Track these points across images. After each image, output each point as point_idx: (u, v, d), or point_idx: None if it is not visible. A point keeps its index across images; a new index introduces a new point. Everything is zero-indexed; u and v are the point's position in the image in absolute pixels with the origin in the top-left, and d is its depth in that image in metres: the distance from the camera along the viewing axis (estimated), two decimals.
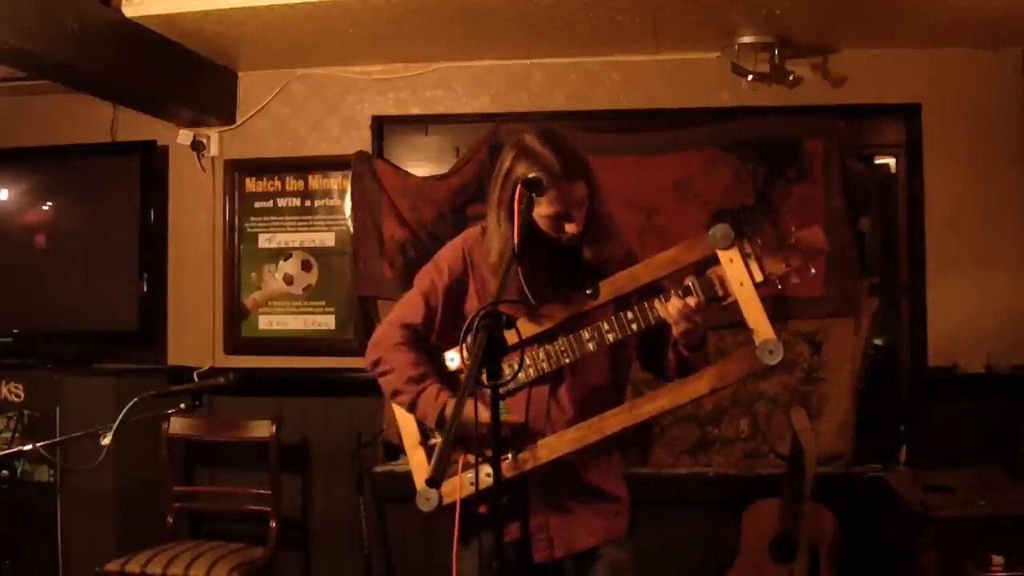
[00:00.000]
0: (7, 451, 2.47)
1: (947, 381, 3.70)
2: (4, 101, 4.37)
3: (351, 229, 4.03)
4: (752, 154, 3.72)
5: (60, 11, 3.10)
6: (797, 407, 3.36)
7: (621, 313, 2.07)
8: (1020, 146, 3.72)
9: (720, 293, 2.01)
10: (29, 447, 2.47)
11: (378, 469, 3.92)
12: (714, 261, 2.02)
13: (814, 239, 2.00)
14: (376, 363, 2.24)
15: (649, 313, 2.04)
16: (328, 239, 4.13)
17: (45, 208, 4.27)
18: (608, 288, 2.11)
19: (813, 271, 2.01)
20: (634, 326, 2.05)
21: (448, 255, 2.24)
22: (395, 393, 2.20)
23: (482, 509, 2.04)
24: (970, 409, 3.67)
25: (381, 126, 4.13)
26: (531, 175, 2.02)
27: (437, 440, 2.19)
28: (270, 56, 3.96)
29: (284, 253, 4.16)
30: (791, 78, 3.70)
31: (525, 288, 2.02)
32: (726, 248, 2.00)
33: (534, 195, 2.02)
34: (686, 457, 3.75)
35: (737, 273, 1.99)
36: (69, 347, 4.07)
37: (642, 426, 2.18)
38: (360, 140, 4.08)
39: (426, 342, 2.22)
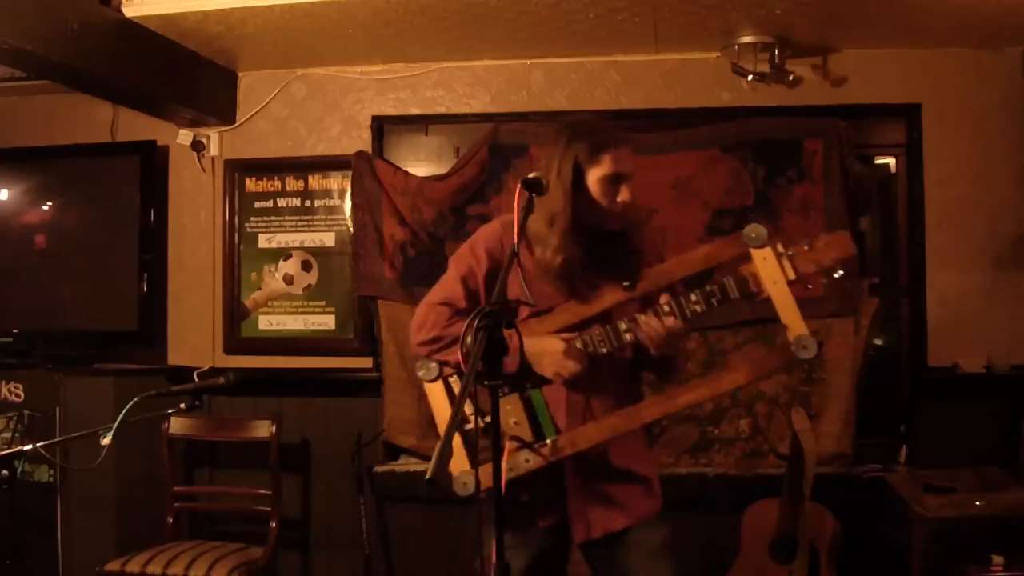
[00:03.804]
0: (7, 451, 2.47)
1: (947, 381, 3.70)
2: (4, 101, 4.37)
3: (351, 229, 4.03)
4: (752, 154, 3.72)
5: (60, 11, 3.10)
6: (797, 407, 3.36)
7: (683, 297, 2.12)
8: (1020, 146, 3.72)
9: (754, 290, 2.07)
10: (29, 447, 2.47)
11: (378, 469, 3.93)
12: (746, 259, 2.08)
13: (843, 242, 2.07)
14: (434, 340, 2.28)
15: (686, 308, 2.09)
16: (328, 239, 4.13)
17: (45, 208, 4.27)
18: (644, 281, 2.16)
19: (841, 272, 2.07)
20: (697, 308, 2.10)
21: (486, 242, 2.25)
22: (465, 360, 2.20)
23: (524, 496, 2.16)
24: (970, 409, 3.67)
25: (381, 126, 4.13)
26: (531, 175, 2.03)
27: (473, 424, 2.20)
28: (270, 56, 3.96)
29: (284, 253, 4.16)
30: (791, 78, 3.70)
31: (554, 279, 2.12)
32: (760, 247, 2.06)
33: (533, 195, 2.03)
34: (686, 457, 3.76)
35: (771, 271, 2.06)
36: (69, 347, 4.07)
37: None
38: (360, 140, 4.08)
39: None
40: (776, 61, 3.63)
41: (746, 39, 3.61)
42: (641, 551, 2.21)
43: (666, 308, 2.09)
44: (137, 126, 4.18)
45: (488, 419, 2.13)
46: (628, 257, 2.19)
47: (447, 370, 2.26)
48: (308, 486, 4.09)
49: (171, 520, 3.75)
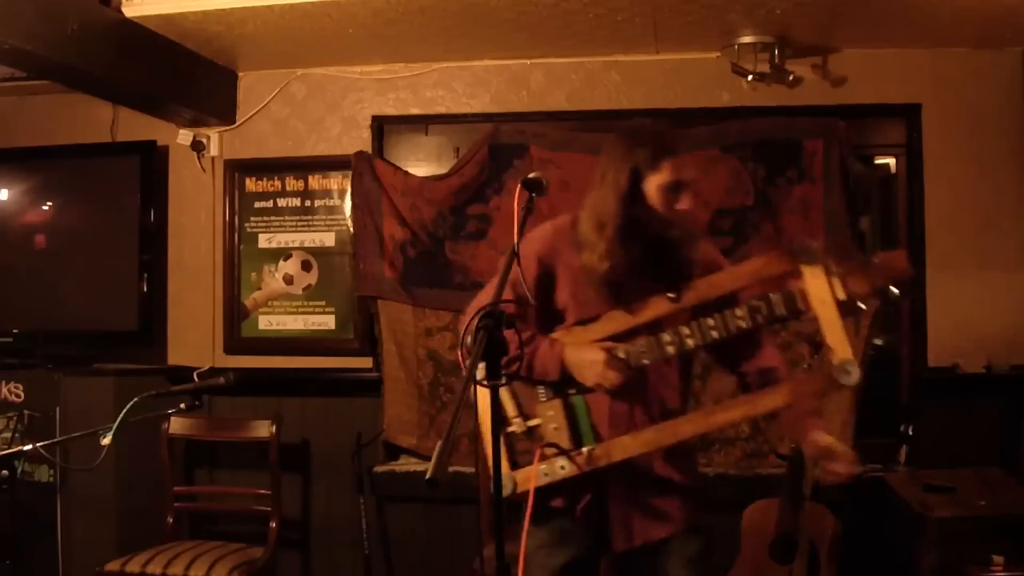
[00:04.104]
0: (7, 451, 2.46)
1: (947, 381, 3.70)
2: (4, 101, 4.37)
3: (351, 229, 4.03)
4: (752, 154, 3.72)
5: (60, 11, 3.10)
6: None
7: (702, 319, 2.08)
8: (1020, 146, 3.72)
9: (801, 308, 2.02)
10: (29, 447, 2.47)
11: (378, 469, 3.93)
12: (796, 275, 2.03)
13: (898, 262, 2.00)
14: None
15: (731, 323, 2.05)
16: (328, 239, 4.13)
17: (45, 208, 4.27)
18: (690, 293, 2.12)
19: (897, 292, 2.01)
20: (714, 333, 2.07)
21: (538, 245, 2.23)
22: (510, 361, 2.17)
23: (557, 503, 2.17)
24: (970, 409, 3.67)
25: (381, 126, 4.13)
26: (531, 175, 2.04)
27: (514, 427, 2.21)
28: (270, 56, 3.96)
29: (284, 253, 4.16)
30: (791, 78, 3.70)
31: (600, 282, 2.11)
32: (811, 264, 2.00)
33: (534, 195, 2.03)
34: None
35: (820, 290, 2.00)
36: (69, 347, 4.07)
37: None
38: (360, 140, 4.08)
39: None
40: (776, 61, 3.63)
41: (746, 39, 3.61)
42: (678, 559, 2.19)
43: (710, 322, 2.07)
44: (137, 126, 4.18)
45: (530, 423, 2.18)
46: (678, 267, 2.15)
47: None
48: (308, 486, 4.09)
49: (171, 520, 3.75)
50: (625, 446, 2.12)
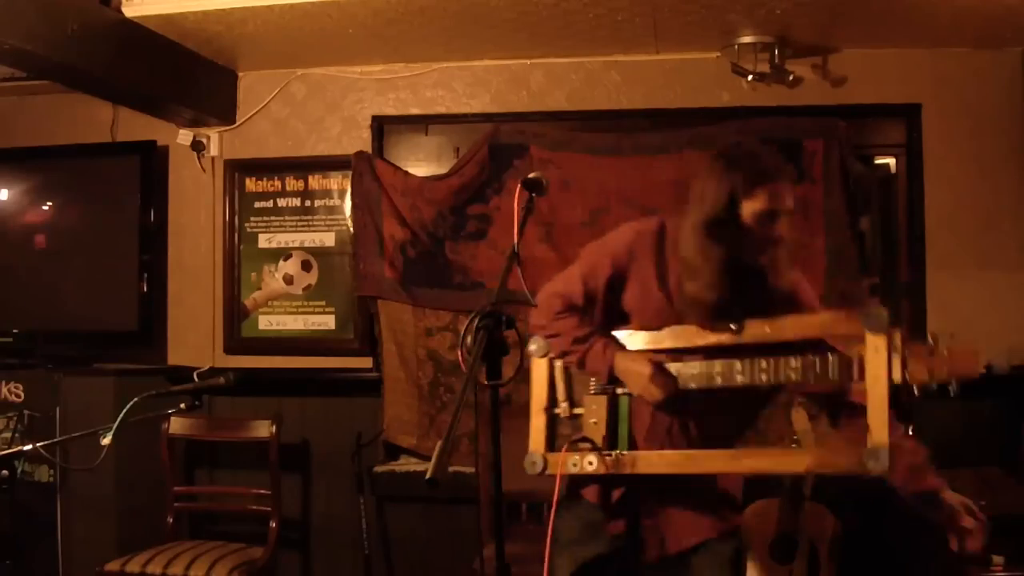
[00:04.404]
0: (7, 451, 2.46)
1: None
2: (4, 101, 4.37)
3: (351, 229, 4.03)
4: None
5: (60, 11, 3.10)
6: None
7: (756, 359, 2.02)
8: (1020, 146, 3.72)
9: (854, 376, 1.93)
10: (29, 447, 2.47)
11: (378, 469, 3.93)
12: (860, 339, 1.93)
13: (968, 361, 1.87)
14: (541, 328, 2.27)
15: (783, 372, 1.99)
16: (328, 239, 4.13)
17: (45, 208, 4.27)
18: (754, 329, 2.06)
19: (955, 389, 1.89)
20: (764, 377, 2.01)
21: (615, 246, 2.22)
22: (563, 354, 2.24)
23: (590, 494, 2.20)
24: (970, 409, 3.67)
25: (381, 126, 4.13)
26: (531, 175, 2.03)
27: (561, 409, 2.24)
28: (270, 56, 3.96)
29: (284, 253, 4.16)
30: (791, 78, 3.70)
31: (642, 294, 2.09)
32: (876, 333, 1.90)
33: (534, 195, 2.02)
34: None
35: (877, 366, 1.90)
36: (69, 347, 4.07)
37: None
38: (360, 140, 4.08)
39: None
40: (776, 61, 3.63)
41: (746, 39, 3.61)
42: (711, 564, 2.18)
43: (763, 365, 2.01)
44: (137, 126, 4.18)
45: (575, 410, 2.21)
46: (756, 298, 2.09)
47: (552, 353, 2.26)
48: (308, 486, 4.09)
49: (171, 520, 3.75)
50: (651, 462, 2.12)
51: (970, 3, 3.27)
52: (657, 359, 2.12)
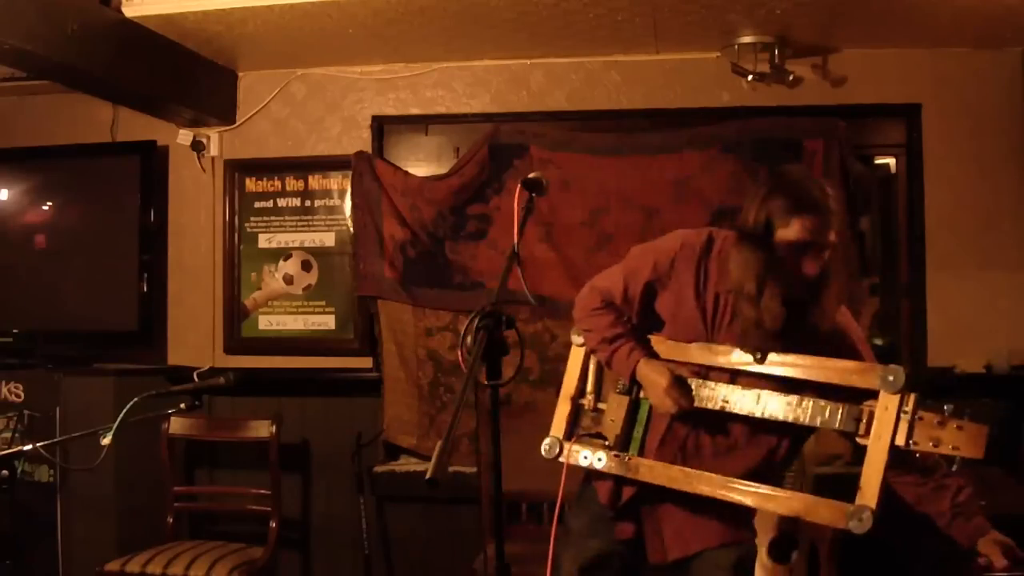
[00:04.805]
0: (7, 451, 2.47)
1: (947, 381, 3.70)
2: (4, 101, 4.37)
3: (351, 229, 4.03)
4: (752, 154, 3.72)
5: (60, 11, 3.10)
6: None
7: (767, 393, 2.01)
8: (1020, 146, 3.72)
9: (860, 432, 1.92)
10: (29, 447, 2.47)
11: (378, 469, 3.93)
12: (874, 396, 1.92)
13: (976, 440, 1.85)
14: (578, 321, 2.31)
15: (792, 411, 1.98)
16: (328, 239, 4.13)
17: (45, 208, 4.27)
18: (776, 362, 2.04)
19: (958, 464, 1.88)
20: (774, 413, 2.00)
21: (659, 253, 2.22)
22: (594, 351, 2.28)
23: (603, 490, 2.22)
24: (970, 409, 3.66)
25: (381, 126, 4.13)
26: (531, 175, 2.03)
27: (586, 400, 2.30)
28: (270, 56, 3.96)
29: (284, 253, 4.16)
30: (791, 78, 3.70)
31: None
32: (890, 392, 1.88)
33: (534, 195, 2.02)
34: None
35: (882, 425, 1.88)
36: (69, 347, 4.07)
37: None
38: (360, 140, 4.08)
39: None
40: (776, 61, 3.63)
41: (746, 39, 3.61)
42: (708, 571, 2.18)
43: (774, 402, 2.00)
44: (137, 126, 4.18)
45: (599, 405, 2.27)
46: (798, 332, 2.03)
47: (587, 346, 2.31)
48: (308, 486, 4.09)
49: (171, 520, 3.75)
50: (653, 471, 2.14)
51: (970, 3, 3.27)
52: (679, 372, 2.12)
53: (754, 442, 2.12)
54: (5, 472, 2.35)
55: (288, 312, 4.15)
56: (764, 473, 2.09)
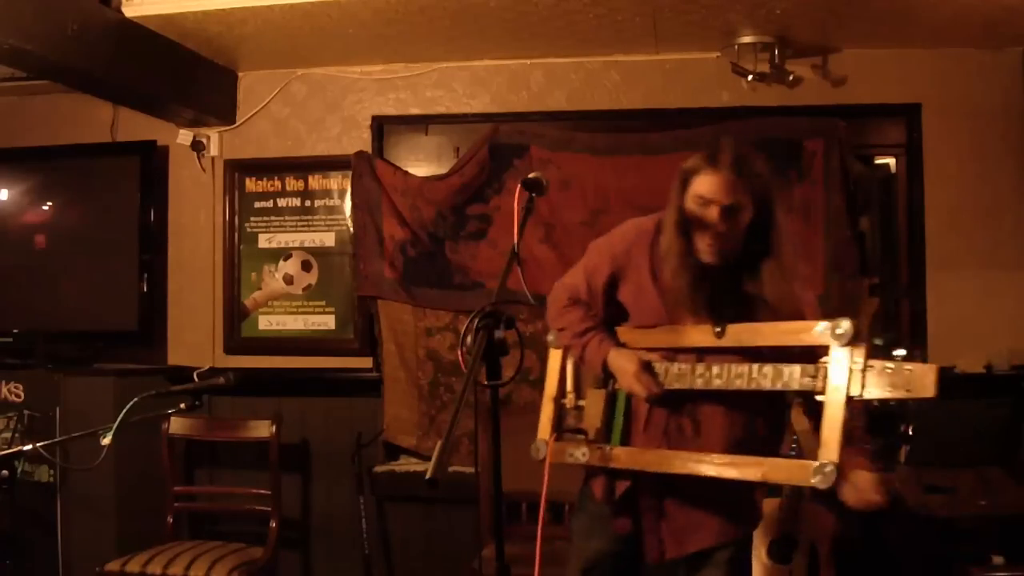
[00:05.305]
0: (7, 451, 2.46)
1: (947, 381, 3.68)
2: (4, 101, 4.37)
3: (351, 229, 4.03)
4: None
5: (60, 11, 3.10)
6: (796, 407, 3.35)
7: (732, 365, 2.05)
8: (1020, 146, 3.72)
9: (818, 387, 1.94)
10: (29, 447, 2.47)
11: (378, 469, 3.93)
12: (826, 352, 1.94)
13: (926, 378, 1.86)
14: (551, 320, 2.34)
15: (755, 378, 2.01)
16: (328, 239, 4.13)
17: (45, 208, 4.27)
18: (734, 334, 2.08)
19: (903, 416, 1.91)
20: (739, 382, 2.03)
21: (615, 245, 2.26)
22: (568, 348, 2.31)
23: (597, 488, 2.24)
24: (970, 409, 3.66)
25: (381, 126, 4.13)
26: (531, 175, 2.04)
27: (568, 400, 2.32)
28: (270, 56, 3.96)
29: (284, 253, 4.16)
30: (791, 78, 3.70)
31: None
32: (839, 345, 1.91)
33: (534, 195, 2.03)
34: None
35: (836, 378, 1.90)
36: (69, 347, 4.07)
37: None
38: (360, 140, 4.08)
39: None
40: (776, 61, 3.63)
41: (746, 39, 3.61)
42: (706, 569, 2.19)
43: (738, 370, 2.03)
44: (137, 126, 4.18)
45: (579, 402, 2.29)
46: (739, 302, 2.10)
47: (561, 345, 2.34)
48: (308, 486, 4.09)
49: (171, 520, 3.75)
50: (632, 458, 2.16)
51: (970, 3, 3.27)
52: (647, 357, 2.14)
53: (731, 419, 2.14)
54: (5, 472, 2.35)
55: (288, 312, 4.15)
56: (752, 450, 2.09)
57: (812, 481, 1.89)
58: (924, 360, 3.73)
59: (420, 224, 3.91)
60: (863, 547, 3.50)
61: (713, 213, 2.04)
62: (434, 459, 1.57)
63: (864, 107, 3.80)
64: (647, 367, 2.13)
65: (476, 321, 1.76)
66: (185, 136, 4.15)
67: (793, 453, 3.17)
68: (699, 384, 2.08)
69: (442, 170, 4.00)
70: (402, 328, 3.97)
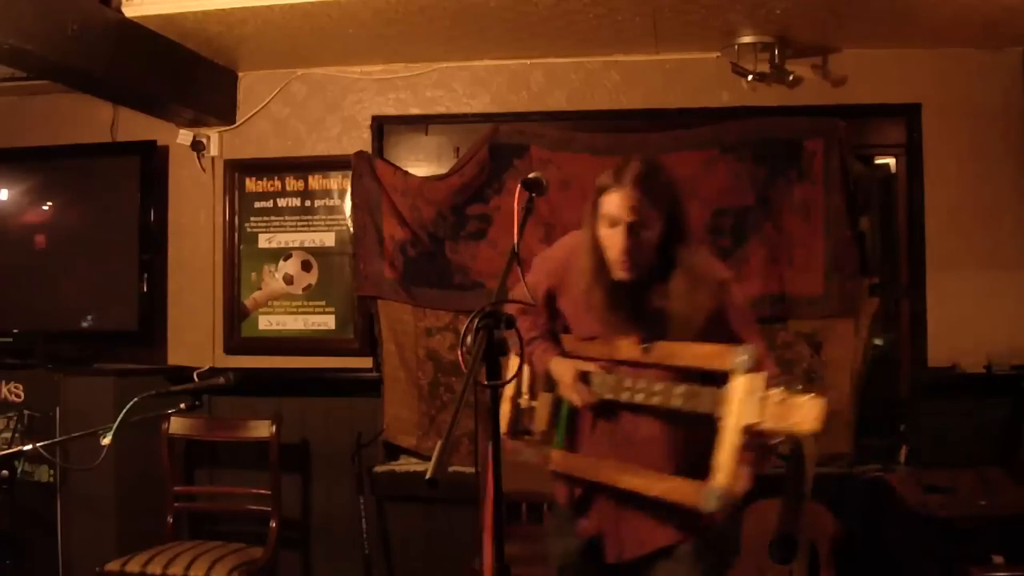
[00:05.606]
0: (7, 451, 2.46)
1: (947, 381, 3.70)
2: (4, 101, 4.37)
3: (351, 229, 4.03)
4: (752, 154, 3.72)
5: (60, 11, 3.10)
6: None
7: (651, 382, 2.07)
8: (1020, 146, 3.72)
9: (720, 414, 1.92)
10: (29, 447, 2.47)
11: (378, 469, 3.93)
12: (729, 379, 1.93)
13: (810, 413, 1.79)
14: None
15: (670, 398, 2.02)
16: (328, 239, 4.13)
17: (45, 208, 4.27)
18: (660, 351, 2.09)
19: (777, 444, 1.93)
20: (656, 399, 2.05)
21: (552, 259, 2.31)
22: (524, 355, 2.35)
23: (559, 493, 2.30)
24: (970, 409, 3.67)
25: (381, 126, 4.13)
26: (531, 175, 2.04)
27: (523, 400, 2.40)
28: (270, 56, 3.96)
29: (284, 253, 4.16)
30: (791, 78, 3.70)
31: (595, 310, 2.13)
32: (739, 373, 1.90)
33: (534, 195, 2.03)
34: None
35: (734, 405, 1.89)
36: (69, 347, 4.07)
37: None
38: (360, 140, 4.08)
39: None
40: (776, 61, 3.63)
41: (746, 39, 3.61)
42: (666, 568, 2.18)
43: (657, 387, 2.05)
44: (137, 126, 4.18)
45: (532, 403, 2.36)
46: (654, 314, 2.09)
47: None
48: (308, 486, 4.09)
49: (171, 520, 3.75)
50: (568, 463, 2.23)
51: (970, 3, 3.27)
52: (586, 367, 2.19)
53: (668, 430, 2.14)
54: (5, 472, 2.35)
55: (288, 312, 4.15)
56: (693, 462, 2.07)
57: (702, 503, 1.92)
58: (924, 361, 3.74)
59: (420, 224, 3.91)
60: (863, 547, 3.50)
61: (619, 231, 2.04)
62: (434, 459, 1.57)
63: (864, 107, 3.80)
64: (583, 377, 2.18)
65: (476, 321, 1.76)
66: (185, 136, 4.15)
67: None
68: (625, 397, 2.11)
69: (442, 170, 4.00)
70: (402, 328, 3.97)
